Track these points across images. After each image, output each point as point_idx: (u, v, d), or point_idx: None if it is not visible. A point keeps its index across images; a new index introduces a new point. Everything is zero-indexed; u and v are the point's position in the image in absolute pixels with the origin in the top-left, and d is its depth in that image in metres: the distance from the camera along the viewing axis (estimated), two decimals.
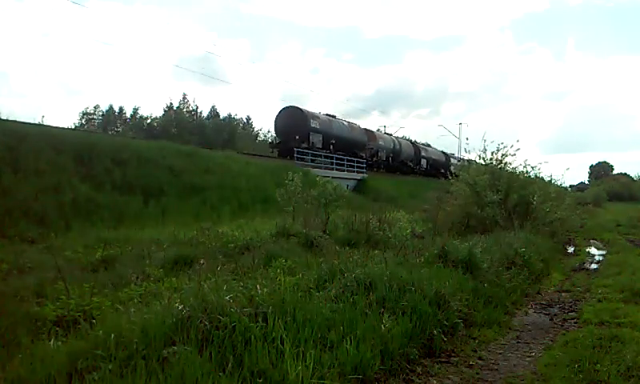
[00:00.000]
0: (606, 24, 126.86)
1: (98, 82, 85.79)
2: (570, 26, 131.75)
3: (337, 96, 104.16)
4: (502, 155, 17.13)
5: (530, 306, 8.35)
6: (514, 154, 17.15)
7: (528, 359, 5.63)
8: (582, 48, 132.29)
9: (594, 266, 13.44)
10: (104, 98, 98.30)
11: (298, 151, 32.19)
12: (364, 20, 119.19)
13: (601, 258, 14.87)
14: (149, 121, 53.96)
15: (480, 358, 5.58)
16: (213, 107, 58.04)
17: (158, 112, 56.29)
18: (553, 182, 20.58)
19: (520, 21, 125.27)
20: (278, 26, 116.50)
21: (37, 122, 22.59)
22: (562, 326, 7.18)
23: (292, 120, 32.79)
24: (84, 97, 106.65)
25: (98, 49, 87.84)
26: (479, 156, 17.63)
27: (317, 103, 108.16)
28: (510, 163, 17.35)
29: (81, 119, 53.85)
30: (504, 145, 17.29)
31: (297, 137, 31.81)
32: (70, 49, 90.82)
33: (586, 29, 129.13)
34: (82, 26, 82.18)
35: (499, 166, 17.15)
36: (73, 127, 43.04)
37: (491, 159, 17.37)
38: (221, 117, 58.13)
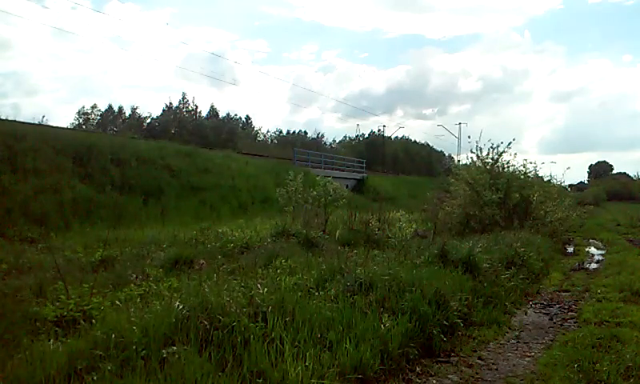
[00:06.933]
0: (616, 23, 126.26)
1: (107, 82, 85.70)
2: (582, 25, 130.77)
3: (345, 95, 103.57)
4: (498, 154, 17.10)
5: (529, 306, 8.35)
6: (509, 152, 17.12)
7: (527, 359, 5.63)
8: (590, 48, 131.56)
9: (593, 265, 13.45)
10: (109, 99, 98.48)
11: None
12: (383, 19, 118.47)
13: (600, 258, 14.88)
14: (148, 120, 53.87)
15: (479, 358, 5.58)
16: (212, 107, 57.97)
17: (158, 111, 56.06)
18: (552, 181, 20.57)
19: (534, 20, 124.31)
20: (295, 27, 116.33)
21: (36, 122, 22.64)
22: (562, 325, 7.19)
23: None
24: (93, 98, 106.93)
25: (110, 50, 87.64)
26: (477, 155, 17.59)
27: (323, 103, 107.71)
28: (510, 163, 17.34)
29: (78, 119, 53.68)
30: (494, 144, 17.27)
31: None
32: (84, 49, 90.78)
33: (595, 28, 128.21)
34: (99, 28, 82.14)
35: (496, 165, 17.12)
36: (71, 127, 42.81)
37: (481, 157, 17.33)
38: (220, 116, 58.08)
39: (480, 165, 17.38)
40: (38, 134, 17.91)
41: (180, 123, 52.60)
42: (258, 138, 64.43)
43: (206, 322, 4.09)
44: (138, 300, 5.49)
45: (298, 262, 8.24)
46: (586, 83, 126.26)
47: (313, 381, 3.86)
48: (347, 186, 30.63)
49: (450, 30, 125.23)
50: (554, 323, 7.32)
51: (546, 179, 20.08)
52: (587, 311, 7.67)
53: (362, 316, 5.08)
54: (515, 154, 17.42)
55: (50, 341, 4.07)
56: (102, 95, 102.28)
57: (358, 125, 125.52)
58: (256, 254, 9.52)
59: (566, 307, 8.29)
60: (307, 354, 4.09)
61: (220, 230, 13.43)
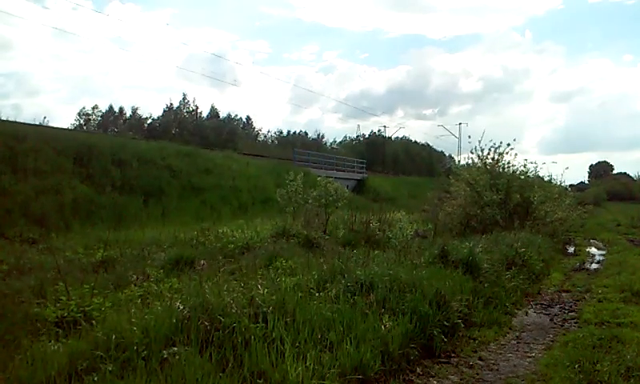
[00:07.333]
0: (617, 23, 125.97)
1: (108, 83, 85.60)
2: (582, 24, 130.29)
3: (345, 96, 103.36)
4: (499, 154, 17.09)
5: (530, 306, 8.35)
6: (510, 153, 17.11)
7: (528, 359, 5.63)
8: (590, 48, 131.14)
9: (594, 265, 13.45)
10: (110, 100, 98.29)
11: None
12: (384, 20, 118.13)
13: (601, 258, 14.88)
14: (149, 121, 53.91)
15: (480, 359, 5.58)
16: (213, 107, 58.00)
17: (159, 112, 56.08)
18: (552, 181, 20.57)
19: (535, 20, 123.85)
20: (296, 27, 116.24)
21: (37, 123, 22.67)
22: (562, 326, 7.18)
23: None
24: (94, 98, 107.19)
25: (110, 50, 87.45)
26: (477, 155, 17.58)
27: (324, 103, 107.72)
28: (510, 163, 17.33)
29: (78, 119, 53.66)
30: (495, 144, 17.25)
31: None
32: (84, 50, 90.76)
33: (595, 28, 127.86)
34: (100, 28, 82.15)
35: (496, 166, 17.11)
36: (71, 128, 42.84)
37: (482, 157, 17.32)
38: (220, 117, 58.12)
39: (480, 165, 17.38)
40: (38, 135, 17.93)
41: (181, 124, 52.64)
42: (259, 139, 64.40)
43: (206, 323, 4.09)
44: (139, 301, 5.50)
45: (298, 262, 8.24)
46: (587, 83, 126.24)
47: (313, 381, 3.86)
48: (347, 187, 30.61)
49: (450, 29, 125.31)
50: (555, 324, 7.32)
51: (546, 179, 20.10)
52: (588, 312, 7.68)
53: (363, 316, 5.08)
54: (516, 154, 17.44)
55: (50, 342, 4.07)
56: (103, 96, 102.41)
57: (358, 125, 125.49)
58: (256, 255, 9.52)
59: (567, 308, 8.29)
60: (308, 354, 4.09)
61: (221, 231, 13.44)
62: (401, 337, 5.02)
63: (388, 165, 60.25)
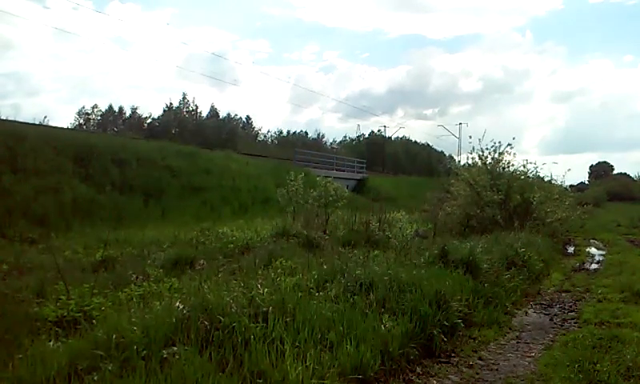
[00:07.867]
0: (617, 24, 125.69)
1: (108, 82, 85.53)
2: (583, 25, 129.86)
3: (346, 95, 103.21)
4: (500, 154, 17.09)
5: (529, 306, 8.34)
6: (510, 153, 17.11)
7: (528, 359, 5.63)
8: (591, 48, 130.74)
9: (594, 266, 13.43)
10: (110, 100, 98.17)
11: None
12: (384, 20, 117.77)
13: (601, 258, 14.86)
14: (149, 121, 53.93)
15: (480, 358, 5.58)
16: (212, 107, 58.02)
17: (159, 112, 56.12)
18: (553, 182, 20.55)
19: (536, 20, 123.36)
20: (297, 27, 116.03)
21: (37, 122, 22.68)
22: (562, 326, 7.18)
23: None
24: (94, 98, 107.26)
25: (110, 50, 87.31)
26: (478, 155, 17.57)
27: (324, 103, 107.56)
28: (510, 163, 17.33)
29: (78, 119, 53.64)
30: (496, 144, 17.24)
31: None
32: (85, 50, 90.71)
33: (596, 29, 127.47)
34: (100, 28, 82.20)
35: (497, 166, 17.11)
36: (71, 127, 42.83)
37: (483, 157, 17.31)
38: (220, 116, 58.13)
39: (481, 165, 17.37)
40: (38, 135, 17.95)
41: (180, 123, 52.71)
42: (259, 139, 64.47)
43: (206, 323, 4.10)
44: (139, 300, 5.50)
45: (298, 262, 8.23)
46: (587, 84, 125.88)
47: (313, 381, 3.86)
48: (347, 187, 30.60)
49: (451, 30, 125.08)
50: (555, 324, 7.32)
51: (546, 180, 20.09)
52: (588, 312, 7.68)
53: (363, 316, 5.08)
54: (514, 153, 17.46)
55: (50, 341, 4.07)
56: (103, 95, 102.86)
57: (358, 125, 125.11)
58: (256, 255, 9.52)
59: (567, 308, 8.29)
60: (308, 354, 4.09)
61: (221, 231, 13.45)
62: (401, 336, 5.02)
63: (388, 165, 60.29)
